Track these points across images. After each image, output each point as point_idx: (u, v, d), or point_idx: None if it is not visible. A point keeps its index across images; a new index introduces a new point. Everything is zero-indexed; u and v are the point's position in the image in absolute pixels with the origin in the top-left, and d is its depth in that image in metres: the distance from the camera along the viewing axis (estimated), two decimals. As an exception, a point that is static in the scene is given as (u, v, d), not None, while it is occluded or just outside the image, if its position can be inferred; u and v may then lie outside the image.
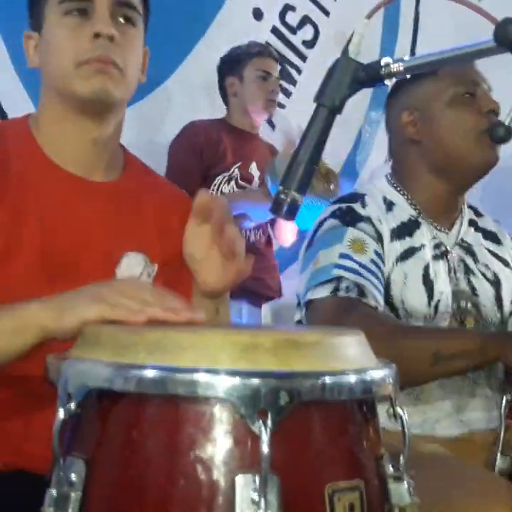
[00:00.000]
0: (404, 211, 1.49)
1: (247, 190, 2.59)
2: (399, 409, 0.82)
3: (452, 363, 1.30)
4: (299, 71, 3.19)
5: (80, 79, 1.10)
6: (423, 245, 1.47)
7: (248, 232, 2.57)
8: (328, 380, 0.74)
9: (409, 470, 0.82)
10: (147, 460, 0.73)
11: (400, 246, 1.45)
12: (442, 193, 1.51)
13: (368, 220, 1.43)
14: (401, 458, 0.82)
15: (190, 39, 2.92)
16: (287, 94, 3.13)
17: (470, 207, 1.60)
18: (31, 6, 1.17)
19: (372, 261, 1.40)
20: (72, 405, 0.76)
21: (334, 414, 0.77)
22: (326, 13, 3.29)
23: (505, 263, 1.57)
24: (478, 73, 1.53)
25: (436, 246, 1.49)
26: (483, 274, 1.52)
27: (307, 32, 3.24)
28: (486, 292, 1.51)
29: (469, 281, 1.50)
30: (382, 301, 1.39)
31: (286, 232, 2.70)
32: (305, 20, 3.23)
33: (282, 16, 3.17)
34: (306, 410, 0.74)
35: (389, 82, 0.96)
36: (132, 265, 1.15)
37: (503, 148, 3.68)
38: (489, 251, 1.56)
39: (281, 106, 3.10)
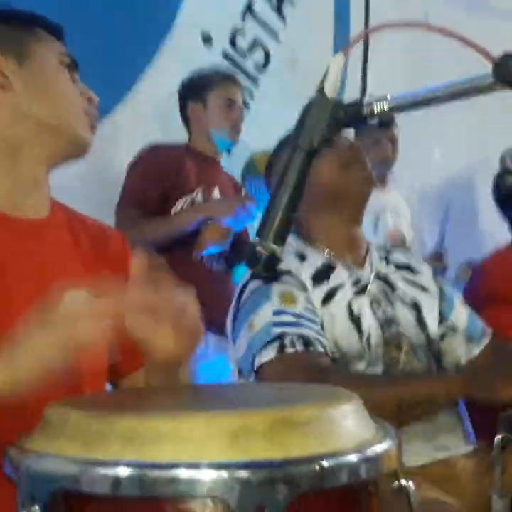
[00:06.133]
0: (316, 259, 1.50)
1: (218, 199, 2.50)
2: (404, 482, 0.74)
3: (417, 410, 1.31)
4: (251, 95, 3.12)
5: (84, 124, 1.12)
6: (342, 284, 1.48)
7: (209, 260, 2.46)
8: (329, 464, 0.66)
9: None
10: None
11: (320, 291, 1.45)
12: (338, 230, 1.52)
13: (288, 272, 1.43)
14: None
15: (137, 65, 2.82)
16: (240, 119, 3.05)
17: (378, 247, 1.63)
18: (9, 27, 1.11)
19: (306, 308, 1.39)
20: (36, 509, 0.65)
21: (337, 503, 0.69)
22: (276, 37, 3.23)
23: (423, 288, 1.58)
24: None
25: (356, 282, 1.50)
26: (402, 300, 1.53)
27: (258, 55, 3.17)
28: (406, 318, 1.51)
29: (392, 310, 1.51)
30: (327, 343, 1.38)
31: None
32: (255, 43, 3.16)
33: (232, 39, 3.10)
34: (306, 502, 0.66)
35: (372, 121, 0.89)
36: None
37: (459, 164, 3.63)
38: (404, 279, 1.57)
39: (235, 131, 3.03)
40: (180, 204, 2.45)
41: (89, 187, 2.58)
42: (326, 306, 1.44)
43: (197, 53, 2.97)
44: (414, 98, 0.88)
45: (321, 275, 1.47)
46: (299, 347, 1.33)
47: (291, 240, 1.52)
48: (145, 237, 2.35)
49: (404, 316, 1.51)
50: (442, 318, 1.57)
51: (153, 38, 2.86)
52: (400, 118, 3.07)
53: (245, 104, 3.04)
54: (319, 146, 0.88)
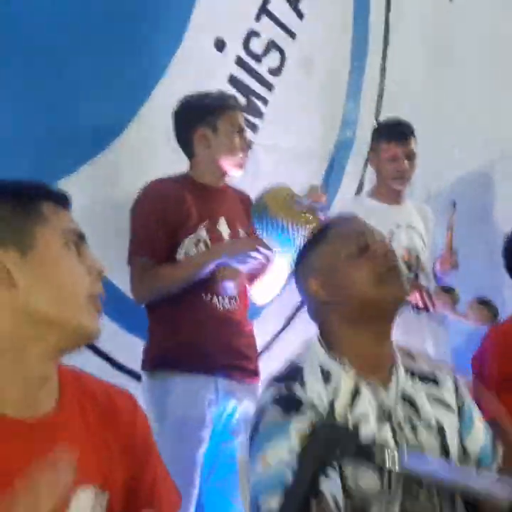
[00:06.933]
0: (341, 379, 1.44)
1: (227, 241, 2.47)
2: None
3: None
4: (265, 102, 3.04)
5: (87, 313, 1.09)
6: (366, 414, 1.44)
7: (221, 298, 2.43)
8: None
9: None
10: None
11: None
12: (367, 345, 1.50)
13: (310, 405, 1.40)
14: None
15: (148, 80, 2.74)
16: (254, 128, 2.97)
17: (403, 351, 1.57)
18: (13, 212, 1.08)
19: None
20: None
21: None
22: (292, 35, 3.12)
23: (446, 405, 1.54)
24: (364, 224, 1.59)
25: (379, 407, 1.47)
26: (426, 425, 1.49)
27: (273, 59, 3.07)
28: (431, 445, 1.48)
29: (416, 437, 1.47)
30: (338, 488, 1.35)
31: (266, 292, 2.59)
32: (270, 46, 3.06)
33: (246, 43, 3.00)
34: None
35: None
36: (82, 506, 1.07)
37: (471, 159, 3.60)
38: (429, 395, 1.53)
39: (248, 142, 2.96)
40: (186, 244, 2.41)
41: (95, 215, 2.55)
42: None
43: (209, 64, 2.89)
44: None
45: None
46: None
47: (317, 348, 1.51)
48: (160, 286, 2.37)
49: (428, 445, 1.48)
50: (460, 438, 1.53)
51: (164, 49, 2.77)
52: (415, 122, 3.00)
53: (255, 111, 2.98)
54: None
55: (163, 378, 2.37)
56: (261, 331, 2.72)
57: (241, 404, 2.42)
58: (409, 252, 2.88)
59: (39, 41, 2.48)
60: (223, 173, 2.52)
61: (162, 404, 2.34)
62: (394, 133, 2.87)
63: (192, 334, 2.37)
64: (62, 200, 1.14)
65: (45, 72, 2.48)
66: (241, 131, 2.51)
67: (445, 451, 1.49)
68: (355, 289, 1.49)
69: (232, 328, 2.43)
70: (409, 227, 2.92)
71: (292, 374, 1.46)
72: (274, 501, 1.32)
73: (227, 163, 2.50)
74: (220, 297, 2.42)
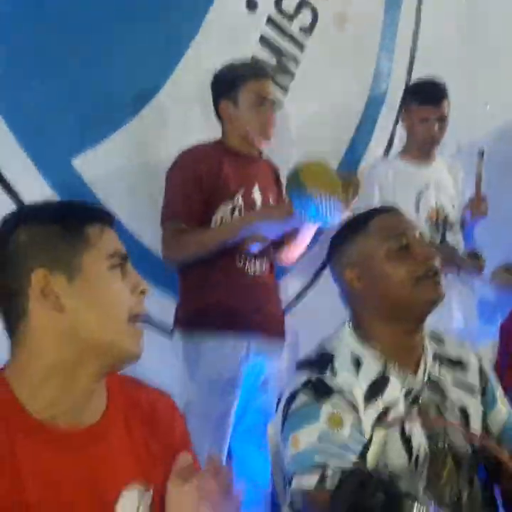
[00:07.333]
0: (371, 366, 1.52)
1: (260, 208, 2.51)
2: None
3: None
4: (296, 62, 3.03)
5: (129, 336, 1.14)
6: (395, 401, 1.50)
7: (252, 263, 2.50)
8: None
9: None
10: None
11: (374, 410, 1.47)
12: (398, 338, 1.54)
13: (340, 392, 1.46)
14: None
15: (180, 43, 2.75)
16: (284, 89, 2.98)
17: (432, 335, 1.62)
18: (62, 237, 1.12)
19: (351, 435, 1.42)
20: None
21: None
22: (325, -9, 3.09)
23: (471, 390, 1.59)
24: (407, 221, 1.59)
25: (408, 393, 1.52)
26: (451, 410, 1.55)
27: (305, 17, 3.05)
28: (454, 430, 1.53)
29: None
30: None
31: (294, 253, 2.66)
32: (302, 4, 3.04)
33: (278, 2, 2.98)
34: None
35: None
36: (128, 505, 1.15)
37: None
38: (455, 382, 1.58)
39: (279, 103, 2.97)
40: (221, 211, 2.46)
41: (132, 180, 2.63)
42: (380, 426, 1.45)
43: (240, 24, 2.88)
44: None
45: (376, 390, 1.49)
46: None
47: (348, 335, 1.56)
48: (192, 251, 2.42)
49: (453, 429, 1.53)
50: (484, 417, 1.59)
51: (195, 12, 2.78)
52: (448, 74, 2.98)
53: (286, 71, 2.98)
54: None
55: (195, 338, 2.44)
56: (285, 290, 2.82)
57: (269, 362, 2.51)
58: (437, 212, 2.90)
59: (72, 7, 2.51)
60: (251, 144, 2.55)
61: (195, 363, 2.43)
62: (427, 95, 2.84)
63: (224, 296, 2.44)
64: (107, 219, 1.17)
65: (77, 39, 2.51)
66: (265, 101, 2.50)
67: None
68: (391, 288, 1.52)
69: (262, 291, 2.51)
70: (439, 186, 2.92)
71: (323, 362, 1.51)
72: (304, 481, 1.40)
73: (252, 135, 2.52)
74: (251, 262, 2.48)
